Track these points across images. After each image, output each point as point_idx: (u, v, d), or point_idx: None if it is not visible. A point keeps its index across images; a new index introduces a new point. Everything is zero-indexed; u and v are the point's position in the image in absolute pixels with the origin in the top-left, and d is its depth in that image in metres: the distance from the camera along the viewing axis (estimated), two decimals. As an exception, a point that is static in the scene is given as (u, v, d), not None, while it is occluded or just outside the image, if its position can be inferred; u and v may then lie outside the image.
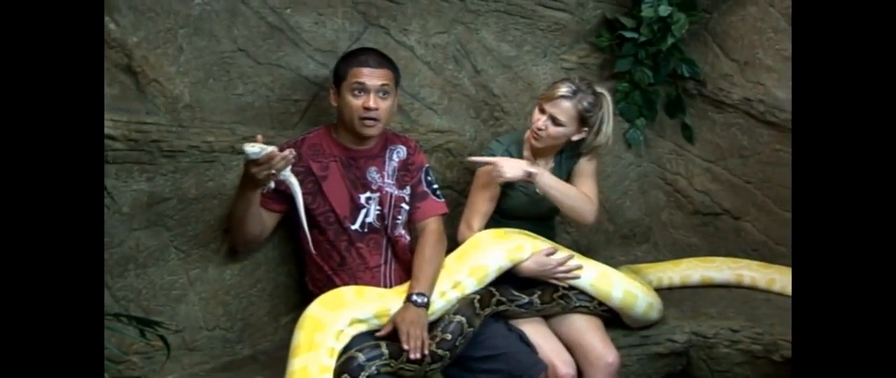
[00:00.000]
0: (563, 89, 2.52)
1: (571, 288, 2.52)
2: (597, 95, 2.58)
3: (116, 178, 2.22)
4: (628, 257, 3.37)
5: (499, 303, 2.43)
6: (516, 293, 2.45)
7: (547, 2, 3.08)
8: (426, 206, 2.50)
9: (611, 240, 3.41)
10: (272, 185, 2.23)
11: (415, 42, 2.82)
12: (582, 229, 3.30)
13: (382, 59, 2.42)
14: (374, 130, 2.39)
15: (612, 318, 2.60)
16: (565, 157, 2.69)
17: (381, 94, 2.37)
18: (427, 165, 2.57)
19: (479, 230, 2.56)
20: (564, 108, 2.53)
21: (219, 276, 2.46)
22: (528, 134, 2.64)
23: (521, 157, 2.63)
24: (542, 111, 2.56)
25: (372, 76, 2.36)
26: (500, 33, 3.02)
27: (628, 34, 3.16)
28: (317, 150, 2.42)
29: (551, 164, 2.68)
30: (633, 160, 3.39)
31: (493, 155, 2.59)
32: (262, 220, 2.37)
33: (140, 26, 2.29)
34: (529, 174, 2.47)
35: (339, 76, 2.41)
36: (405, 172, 2.50)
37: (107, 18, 2.22)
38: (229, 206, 2.38)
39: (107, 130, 2.22)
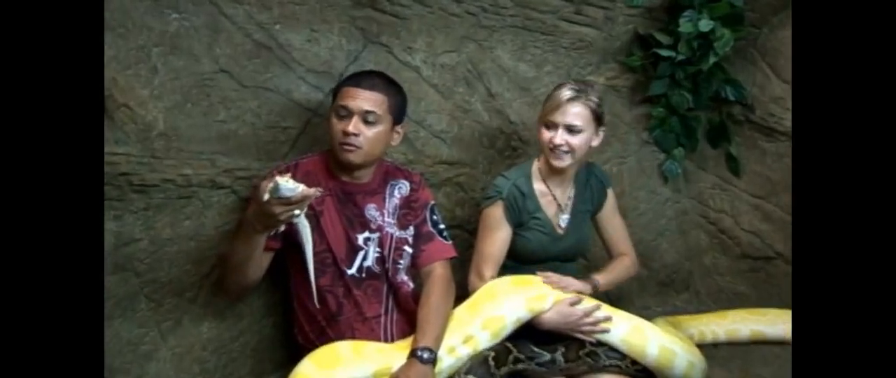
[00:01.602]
0: (567, 92, 2.55)
1: (600, 344, 2.50)
2: (594, 87, 2.66)
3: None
4: (666, 307, 3.35)
5: (516, 361, 2.42)
6: (537, 350, 2.43)
7: (571, 16, 3.12)
8: (432, 248, 2.50)
9: (645, 287, 3.40)
10: (282, 226, 2.19)
11: (420, 62, 2.84)
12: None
13: (378, 82, 2.44)
14: (352, 157, 2.39)
15: (647, 378, 2.59)
16: (594, 181, 2.71)
17: (365, 120, 2.38)
18: (433, 202, 2.57)
19: (492, 279, 2.54)
20: (577, 112, 2.55)
21: (195, 329, 2.46)
22: (539, 162, 2.65)
23: (531, 190, 2.63)
24: (551, 126, 2.57)
25: (358, 99, 2.38)
26: (517, 52, 3.04)
27: (664, 52, 3.18)
28: (311, 179, 2.40)
29: (571, 190, 2.69)
30: (671, 196, 3.39)
31: (500, 194, 2.60)
32: (262, 262, 2.37)
33: (109, 44, 2.32)
34: (589, 289, 2.55)
35: (332, 97, 2.46)
36: (408, 210, 2.51)
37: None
38: (223, 248, 2.38)
39: (70, 162, 2.25)
